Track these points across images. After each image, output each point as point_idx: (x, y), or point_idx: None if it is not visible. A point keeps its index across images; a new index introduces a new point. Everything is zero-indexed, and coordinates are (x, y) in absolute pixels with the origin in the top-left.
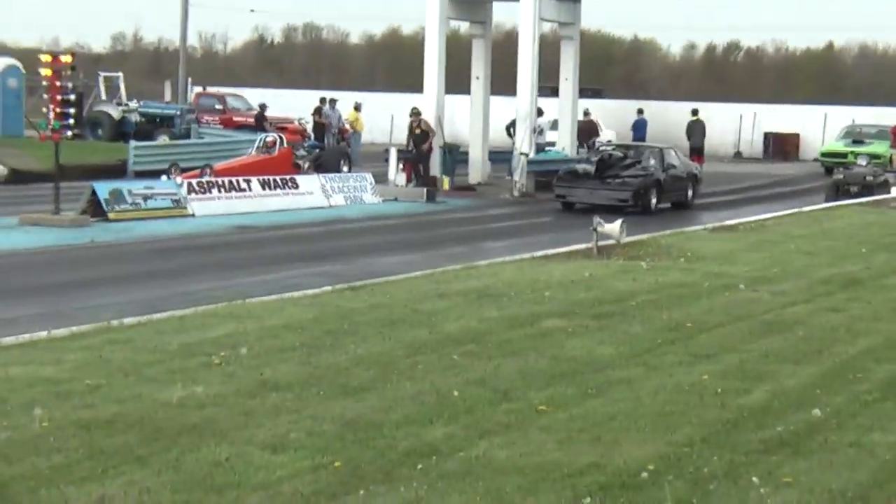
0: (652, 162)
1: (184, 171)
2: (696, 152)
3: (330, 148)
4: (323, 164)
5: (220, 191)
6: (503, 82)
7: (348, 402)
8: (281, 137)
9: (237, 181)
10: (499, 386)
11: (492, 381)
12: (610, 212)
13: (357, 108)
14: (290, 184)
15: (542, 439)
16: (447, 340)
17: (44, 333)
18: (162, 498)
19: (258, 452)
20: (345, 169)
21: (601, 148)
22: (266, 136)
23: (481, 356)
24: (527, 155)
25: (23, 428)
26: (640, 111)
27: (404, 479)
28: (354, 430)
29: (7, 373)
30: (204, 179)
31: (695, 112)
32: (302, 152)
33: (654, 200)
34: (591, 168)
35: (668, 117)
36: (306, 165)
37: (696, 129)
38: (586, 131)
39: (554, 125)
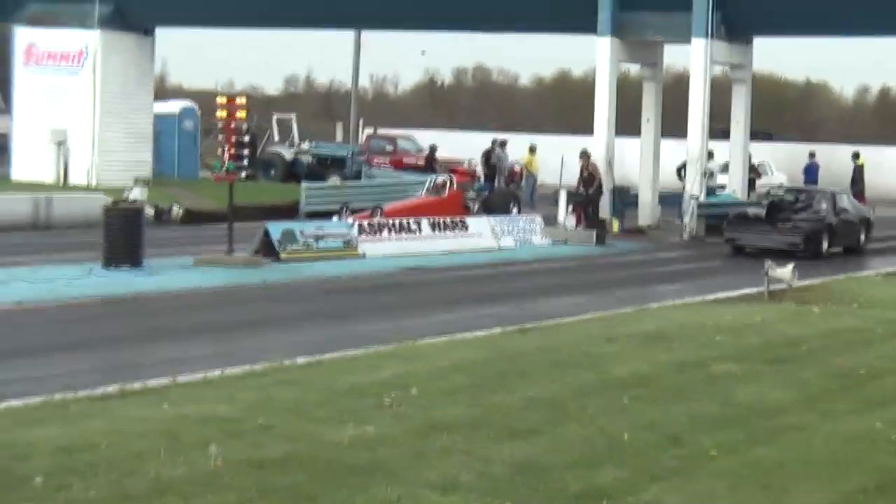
0: (823, 206)
1: (354, 212)
2: (859, 196)
3: (499, 190)
4: (492, 206)
5: (390, 232)
6: (674, 124)
7: (518, 444)
8: (451, 179)
9: (408, 222)
10: (668, 430)
11: (661, 425)
12: (780, 256)
13: (532, 149)
14: (460, 225)
15: (712, 485)
16: (616, 383)
17: (217, 372)
18: None
19: (428, 493)
20: (514, 211)
21: (772, 192)
22: (436, 178)
23: (650, 400)
24: (697, 198)
25: (198, 465)
26: (812, 154)
27: None
28: (524, 472)
29: (182, 411)
30: (375, 220)
31: (857, 155)
32: (471, 194)
33: (825, 245)
34: (761, 212)
35: (836, 160)
36: (475, 207)
37: (860, 174)
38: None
39: (725, 168)
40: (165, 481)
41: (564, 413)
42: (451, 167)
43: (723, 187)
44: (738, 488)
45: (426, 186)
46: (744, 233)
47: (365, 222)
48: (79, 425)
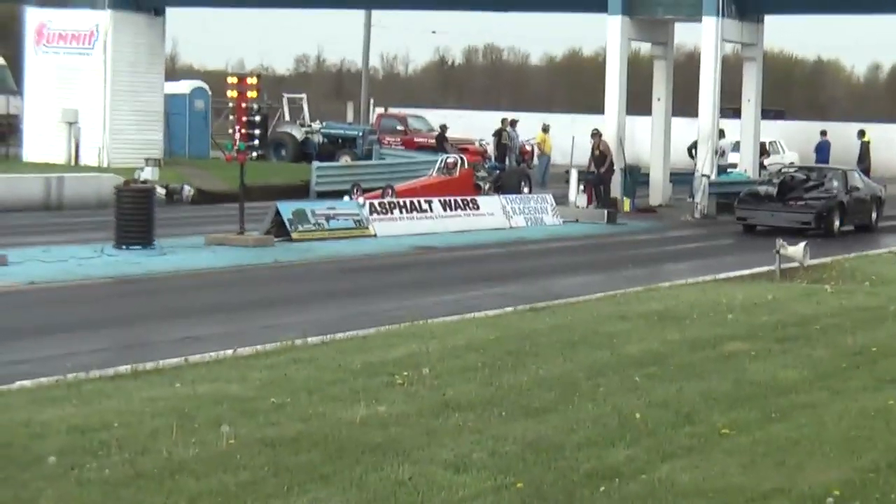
0: (835, 184)
1: (365, 191)
2: (865, 173)
3: (510, 169)
4: (503, 186)
5: (401, 212)
6: (684, 103)
7: (530, 423)
8: (462, 158)
9: (418, 202)
10: (681, 408)
11: (674, 403)
12: (792, 234)
13: (545, 129)
14: (471, 205)
15: (726, 463)
16: (629, 362)
17: (230, 352)
18: None
19: (441, 472)
20: (525, 190)
21: (783, 170)
22: (447, 157)
23: (663, 378)
24: (708, 177)
25: (210, 444)
26: (823, 133)
27: (586, 501)
28: (536, 451)
29: (195, 390)
30: (386, 200)
31: (862, 133)
32: (482, 173)
33: (837, 223)
34: (773, 190)
35: (848, 139)
36: (486, 186)
37: (866, 151)
38: None
39: (736, 147)
40: (178, 460)
41: (577, 392)
42: (462, 147)
43: (734, 166)
44: (751, 466)
45: (437, 166)
46: (755, 211)
47: (376, 202)
48: (92, 405)
